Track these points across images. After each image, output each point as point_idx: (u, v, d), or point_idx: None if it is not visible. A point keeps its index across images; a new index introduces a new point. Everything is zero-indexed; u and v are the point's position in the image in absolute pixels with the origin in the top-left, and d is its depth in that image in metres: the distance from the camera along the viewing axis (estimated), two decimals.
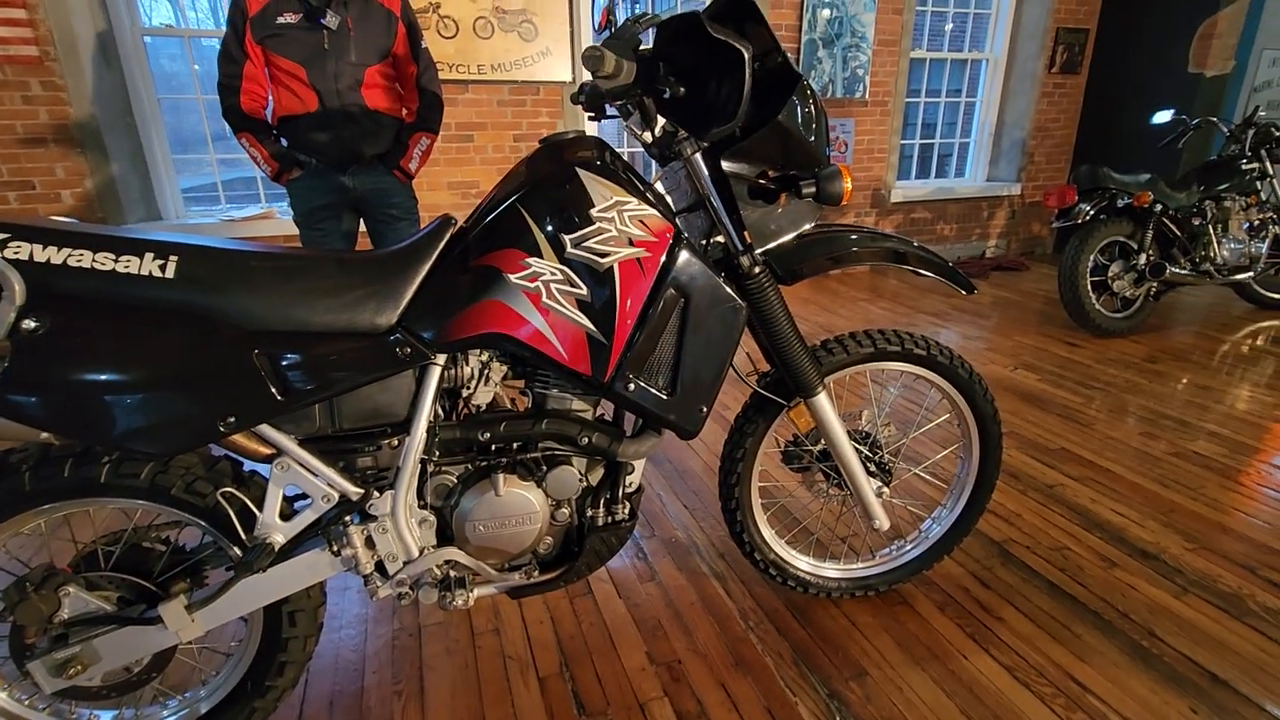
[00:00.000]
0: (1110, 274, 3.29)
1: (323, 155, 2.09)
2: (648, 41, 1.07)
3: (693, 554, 1.71)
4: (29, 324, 0.84)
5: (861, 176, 4.66)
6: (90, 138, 3.05)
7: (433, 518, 1.11)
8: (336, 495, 1.03)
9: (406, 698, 1.29)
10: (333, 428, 1.03)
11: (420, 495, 1.10)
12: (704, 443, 2.27)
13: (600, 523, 1.18)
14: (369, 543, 1.07)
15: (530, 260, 1.01)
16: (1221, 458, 2.15)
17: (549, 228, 1.01)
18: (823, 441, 1.40)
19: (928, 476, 2.03)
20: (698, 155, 1.11)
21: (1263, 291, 3.71)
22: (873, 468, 1.42)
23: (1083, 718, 1.22)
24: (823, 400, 1.29)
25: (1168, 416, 2.46)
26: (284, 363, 0.94)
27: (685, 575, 1.63)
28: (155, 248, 0.90)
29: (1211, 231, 3.35)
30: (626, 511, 1.21)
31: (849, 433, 1.40)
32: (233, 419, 0.92)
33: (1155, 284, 3.28)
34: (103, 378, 0.86)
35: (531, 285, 1.01)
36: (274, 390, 0.93)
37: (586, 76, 3.86)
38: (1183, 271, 3.30)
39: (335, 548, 1.04)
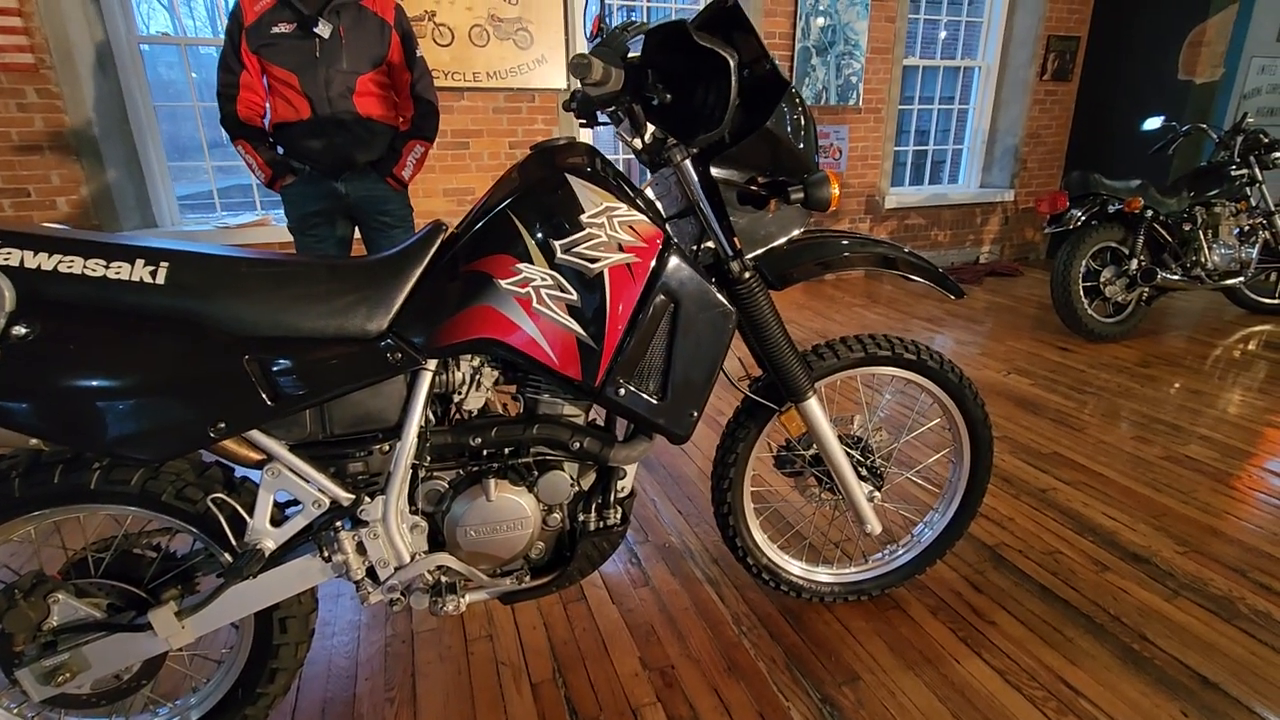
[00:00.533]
0: (1102, 279, 3.31)
1: (316, 162, 2.09)
2: (636, 49, 1.08)
3: (686, 559, 1.71)
4: (19, 330, 0.84)
5: (855, 183, 4.69)
6: (86, 145, 3.06)
7: (424, 523, 1.11)
8: (327, 501, 1.03)
9: (399, 705, 1.28)
10: (324, 433, 1.03)
11: (411, 500, 1.10)
12: (698, 447, 2.28)
13: (592, 528, 1.18)
14: (360, 548, 1.07)
15: (521, 266, 1.01)
16: (1213, 462, 2.16)
17: (539, 233, 1.02)
18: (814, 446, 1.41)
19: (920, 481, 2.04)
20: (687, 162, 1.12)
21: (1253, 296, 3.73)
22: (864, 472, 1.42)
23: None
24: (813, 405, 1.30)
25: (1160, 421, 2.47)
26: (274, 368, 0.94)
27: (679, 580, 1.63)
28: (146, 254, 0.90)
29: (1202, 237, 3.37)
30: (618, 516, 1.21)
31: (840, 437, 1.40)
32: (223, 424, 0.92)
33: (1147, 289, 3.30)
34: (93, 384, 0.86)
35: (522, 291, 1.02)
36: (264, 396, 0.94)
37: (578, 84, 3.88)
38: (1174, 277, 3.33)
39: (326, 553, 1.04)
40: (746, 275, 1.19)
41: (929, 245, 5.08)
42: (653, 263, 1.06)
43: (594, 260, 1.03)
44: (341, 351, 0.98)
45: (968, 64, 5.09)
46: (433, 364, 1.05)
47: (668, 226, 1.13)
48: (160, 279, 0.90)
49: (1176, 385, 2.81)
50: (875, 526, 1.41)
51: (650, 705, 1.27)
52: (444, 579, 1.13)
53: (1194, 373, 2.95)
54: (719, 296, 1.11)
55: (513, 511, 1.11)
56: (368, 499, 1.05)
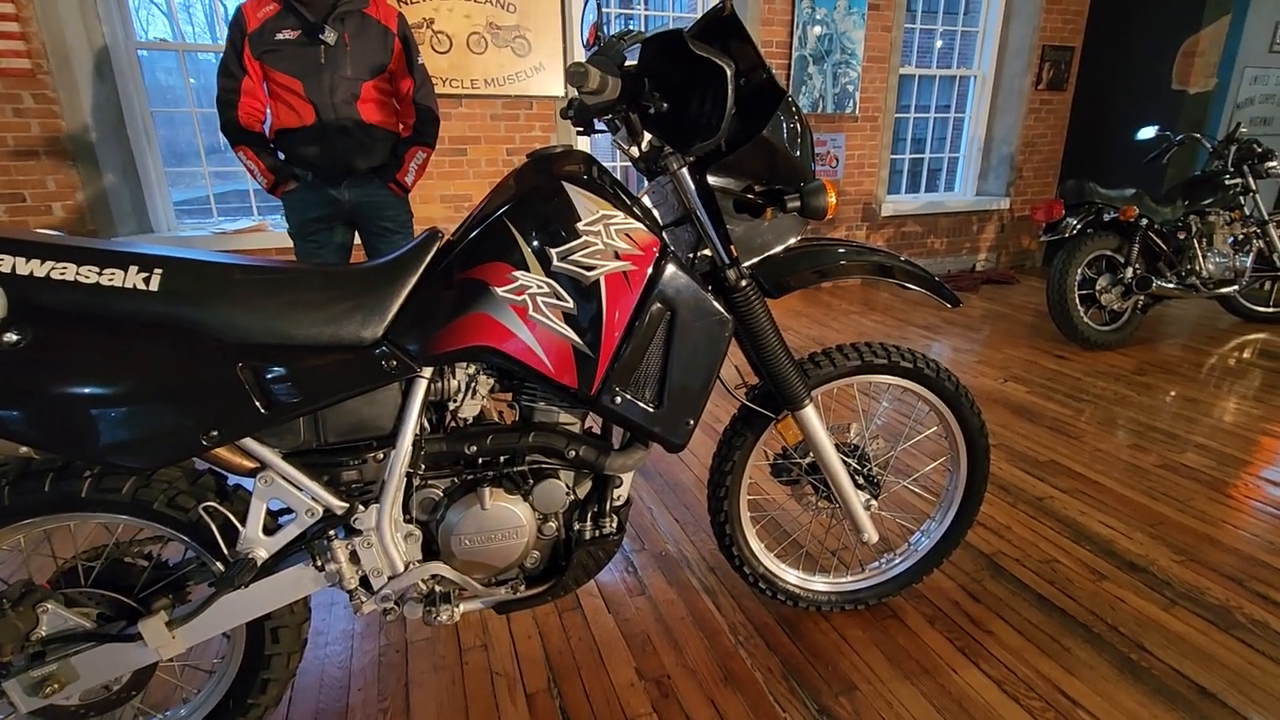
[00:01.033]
0: (1098, 287, 3.32)
1: (317, 168, 2.10)
2: (633, 58, 1.08)
3: (683, 568, 1.70)
4: (10, 337, 0.84)
5: (852, 191, 4.70)
6: (83, 150, 3.05)
7: (418, 532, 1.10)
8: (321, 509, 1.03)
9: (392, 715, 1.27)
10: (317, 441, 1.03)
11: (406, 509, 1.10)
12: (694, 455, 2.27)
13: (588, 536, 1.18)
14: (353, 557, 1.06)
15: (517, 274, 1.01)
16: (1209, 470, 2.16)
17: (535, 241, 1.01)
18: (811, 454, 1.40)
19: (917, 490, 2.04)
20: (684, 170, 1.12)
21: (1248, 305, 3.75)
22: (861, 480, 1.42)
23: None
24: (810, 413, 1.29)
25: (1156, 429, 2.47)
26: (268, 376, 0.94)
27: (675, 589, 1.62)
28: (140, 260, 0.90)
29: (1196, 245, 3.39)
30: (614, 525, 1.20)
31: (837, 445, 1.40)
32: (216, 432, 0.92)
33: (1142, 297, 3.31)
34: (85, 391, 0.86)
35: (518, 298, 1.01)
36: (258, 403, 0.93)
37: (575, 92, 3.89)
38: (1169, 285, 3.34)
39: (319, 563, 1.03)
40: (743, 283, 1.19)
41: (925, 253, 5.09)
42: (649, 271, 1.05)
43: (590, 268, 1.02)
44: (336, 359, 0.97)
45: (963, 73, 5.12)
46: (428, 372, 1.04)
47: (664, 234, 1.13)
48: (154, 286, 0.90)
49: (1172, 393, 2.81)
50: (872, 535, 1.40)
51: (646, 716, 1.26)
52: (438, 588, 1.12)
53: (1190, 381, 2.95)
54: (715, 304, 1.10)
55: (508, 520, 1.10)
56: (361, 507, 1.04)
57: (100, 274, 0.88)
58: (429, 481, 1.11)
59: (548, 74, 3.74)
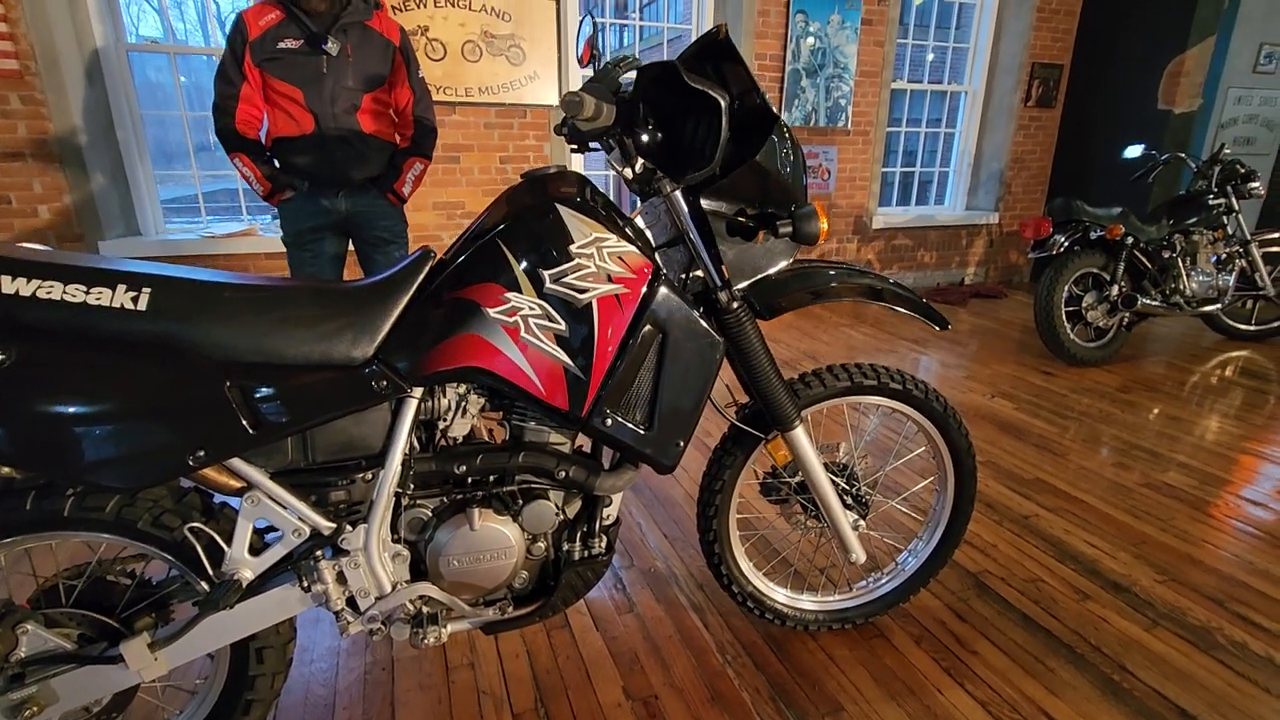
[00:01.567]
0: (1084, 304, 3.36)
1: (315, 177, 2.09)
2: (628, 84, 1.09)
3: (671, 584, 1.70)
4: None
5: (844, 204, 4.74)
6: (70, 153, 3.02)
7: (406, 552, 1.10)
8: (308, 529, 1.02)
9: None
10: (305, 460, 1.02)
11: (394, 529, 1.09)
12: (685, 471, 2.27)
13: (577, 557, 1.18)
14: (340, 578, 1.05)
15: (509, 295, 1.01)
16: (1191, 489, 2.19)
17: (528, 263, 1.01)
18: (800, 473, 1.41)
19: (905, 509, 2.05)
20: (677, 193, 1.13)
21: (1230, 323, 3.80)
22: (849, 500, 1.43)
23: None
24: (800, 434, 1.30)
25: (1139, 447, 2.50)
26: (257, 395, 0.93)
27: (664, 606, 1.62)
28: (128, 279, 0.89)
29: (1181, 264, 3.44)
30: (603, 545, 1.20)
31: (826, 465, 1.41)
32: (202, 453, 0.91)
33: (1127, 315, 3.36)
34: (70, 412, 0.85)
35: (510, 320, 1.01)
36: (246, 423, 0.92)
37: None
38: (1153, 303, 3.39)
39: (306, 583, 1.02)
40: (735, 305, 1.19)
41: (915, 266, 5.13)
42: (642, 293, 1.06)
43: (583, 291, 1.03)
44: (326, 378, 0.97)
45: (954, 89, 5.18)
46: (418, 391, 1.04)
47: (657, 256, 1.13)
48: (142, 305, 0.89)
49: (1155, 411, 2.85)
50: (860, 555, 1.41)
51: None
52: (425, 609, 1.11)
53: (1172, 399, 2.99)
54: (707, 327, 1.11)
55: (497, 541, 1.10)
56: (349, 527, 1.04)
57: (88, 293, 0.87)
58: (418, 501, 1.10)
59: (542, 83, 3.75)
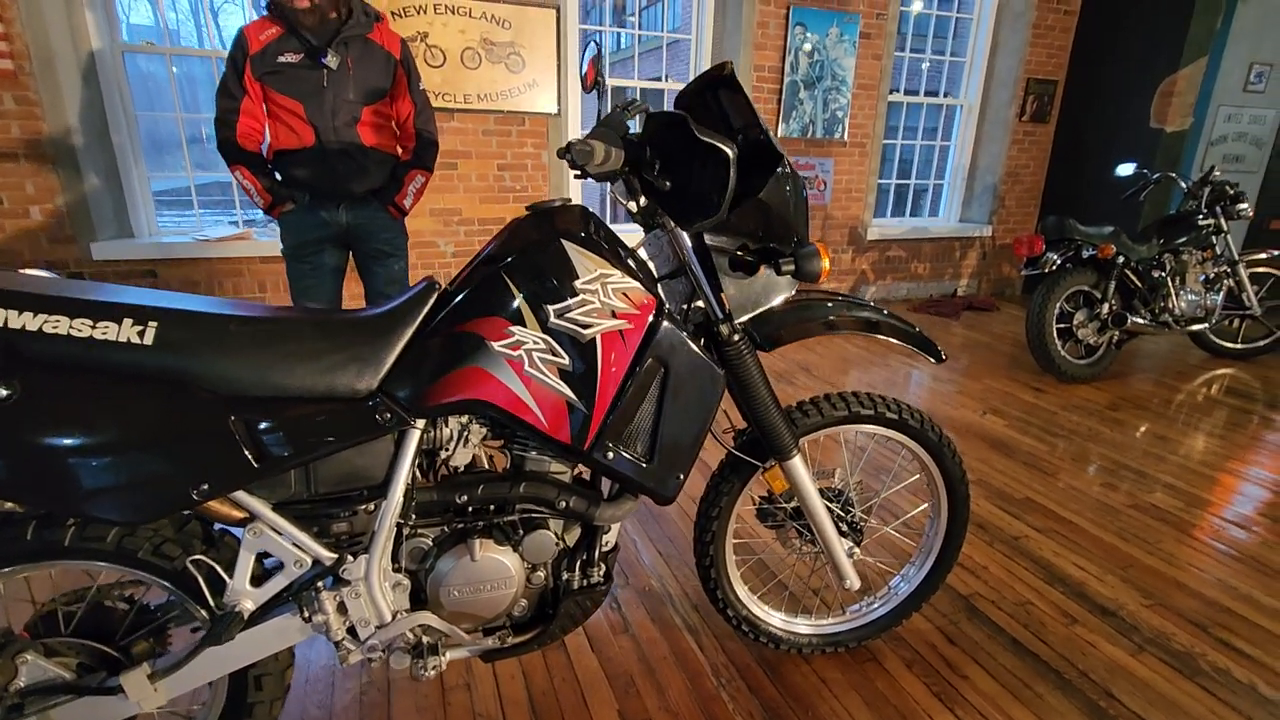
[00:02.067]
0: (1075, 322, 3.40)
1: (316, 190, 2.09)
2: (634, 125, 1.10)
3: (666, 604, 1.71)
4: (0, 392, 0.83)
5: (840, 215, 4.77)
6: (64, 154, 3.00)
7: (406, 581, 1.10)
8: (310, 560, 1.02)
9: None
10: (308, 492, 1.02)
11: (394, 558, 1.10)
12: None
13: (576, 586, 1.19)
14: (341, 608, 1.06)
15: (513, 329, 1.02)
16: (1177, 511, 2.23)
17: (532, 297, 1.02)
18: (796, 500, 1.42)
19: (896, 534, 2.07)
20: (679, 227, 1.14)
21: (1217, 341, 3.86)
22: (844, 527, 1.44)
23: None
24: (797, 463, 1.32)
25: (1126, 467, 2.54)
26: (261, 428, 0.93)
27: (658, 627, 1.63)
28: (134, 313, 0.89)
29: (1170, 284, 3.49)
30: (602, 574, 1.21)
31: (821, 491, 1.42)
32: (206, 486, 0.91)
33: (1117, 332, 3.40)
34: (75, 447, 0.85)
35: (514, 353, 1.02)
36: (249, 456, 0.93)
37: (574, 111, 3.90)
38: (1143, 321, 3.43)
39: (306, 613, 1.03)
40: (735, 338, 1.21)
41: (909, 277, 5.17)
42: (645, 329, 1.07)
43: (587, 326, 1.04)
44: (330, 411, 0.97)
45: (950, 102, 5.22)
46: (421, 423, 1.05)
47: (659, 289, 1.14)
48: (148, 339, 0.89)
49: (1143, 429, 2.89)
50: (854, 582, 1.43)
51: None
52: (425, 638, 1.12)
53: (1160, 417, 3.04)
54: (709, 361, 1.12)
55: (497, 571, 1.11)
56: (350, 558, 1.04)
57: (94, 327, 0.87)
58: (418, 531, 1.11)
59: (541, 91, 3.75)
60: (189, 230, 3.58)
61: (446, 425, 1.10)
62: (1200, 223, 3.53)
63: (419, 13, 3.40)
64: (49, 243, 3.06)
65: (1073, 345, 3.44)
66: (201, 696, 1.11)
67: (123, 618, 1.04)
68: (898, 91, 4.87)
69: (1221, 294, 3.61)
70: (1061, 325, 3.39)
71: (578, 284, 1.03)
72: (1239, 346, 3.87)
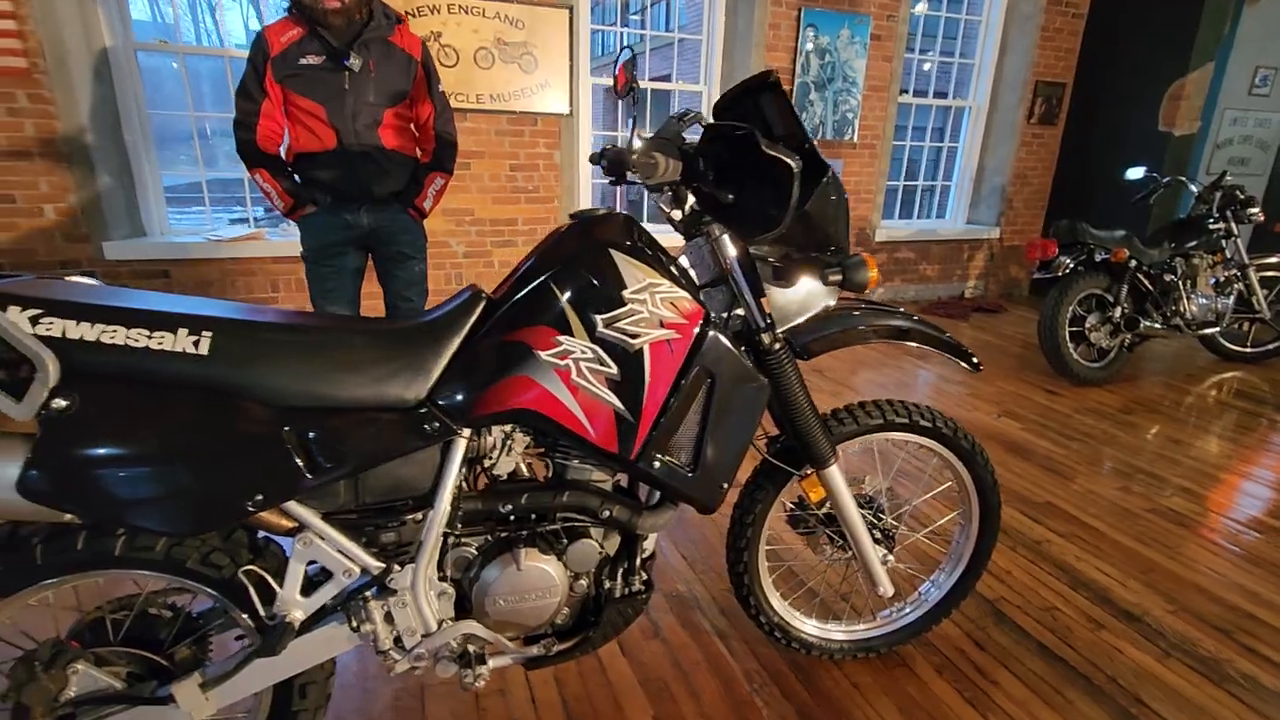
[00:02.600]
0: (1087, 325, 3.41)
1: (337, 192, 2.08)
2: (689, 134, 1.10)
3: (695, 609, 1.72)
4: (59, 403, 0.82)
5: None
6: (77, 152, 2.98)
7: (451, 590, 1.10)
8: (358, 570, 1.02)
9: None
10: (356, 502, 1.02)
11: (439, 567, 1.10)
12: None
13: (618, 594, 1.19)
14: (388, 617, 1.06)
15: (561, 338, 1.02)
16: (1195, 515, 2.24)
17: (581, 307, 1.02)
18: (827, 506, 1.43)
19: (925, 541, 2.07)
20: (725, 236, 1.14)
21: (1227, 344, 3.87)
22: (877, 535, 1.45)
23: None
24: (835, 472, 1.32)
25: (1143, 471, 2.55)
26: (313, 439, 0.93)
27: (688, 632, 1.63)
28: (189, 323, 0.89)
29: (1181, 287, 3.50)
30: (642, 581, 1.21)
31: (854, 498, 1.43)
32: (260, 497, 0.91)
33: (1129, 336, 3.41)
34: (132, 459, 0.84)
35: (561, 363, 1.02)
36: (302, 467, 0.93)
37: (585, 111, 3.90)
38: (1155, 325, 3.44)
39: (355, 623, 1.03)
40: (776, 346, 1.21)
41: (917, 279, 5.18)
42: (692, 339, 1.07)
43: (635, 336, 1.03)
44: (380, 421, 0.97)
45: (959, 104, 5.22)
46: (467, 432, 1.05)
47: (702, 297, 1.14)
48: (203, 349, 0.89)
49: (1158, 433, 2.90)
50: (888, 589, 1.43)
51: None
52: (470, 647, 1.12)
53: (1173, 420, 3.05)
54: (754, 370, 1.12)
55: (542, 580, 1.11)
56: (398, 567, 1.04)
57: (150, 337, 0.87)
58: (462, 540, 1.11)
59: (553, 91, 3.74)
60: (199, 229, 3.57)
61: (489, 434, 1.10)
62: (1211, 226, 3.54)
63: (433, 12, 3.39)
64: (63, 241, 3.05)
65: (1085, 348, 3.45)
66: (245, 704, 1.11)
67: (167, 626, 1.04)
68: (906, 93, 4.87)
69: (1232, 298, 3.62)
70: (1073, 328, 3.40)
71: (626, 293, 1.03)
72: (1248, 350, 3.88)
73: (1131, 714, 1.43)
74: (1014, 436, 2.82)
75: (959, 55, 5.15)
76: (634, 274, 1.04)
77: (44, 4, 2.81)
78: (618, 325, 1.03)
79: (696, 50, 4.37)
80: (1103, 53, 4.99)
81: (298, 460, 0.92)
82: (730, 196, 1.01)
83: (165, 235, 3.41)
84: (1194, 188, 3.68)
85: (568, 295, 1.02)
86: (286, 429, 0.92)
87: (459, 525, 1.08)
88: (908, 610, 1.58)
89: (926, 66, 6.14)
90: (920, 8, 4.83)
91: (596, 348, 1.03)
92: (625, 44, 1.44)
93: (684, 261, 1.24)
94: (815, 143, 1.08)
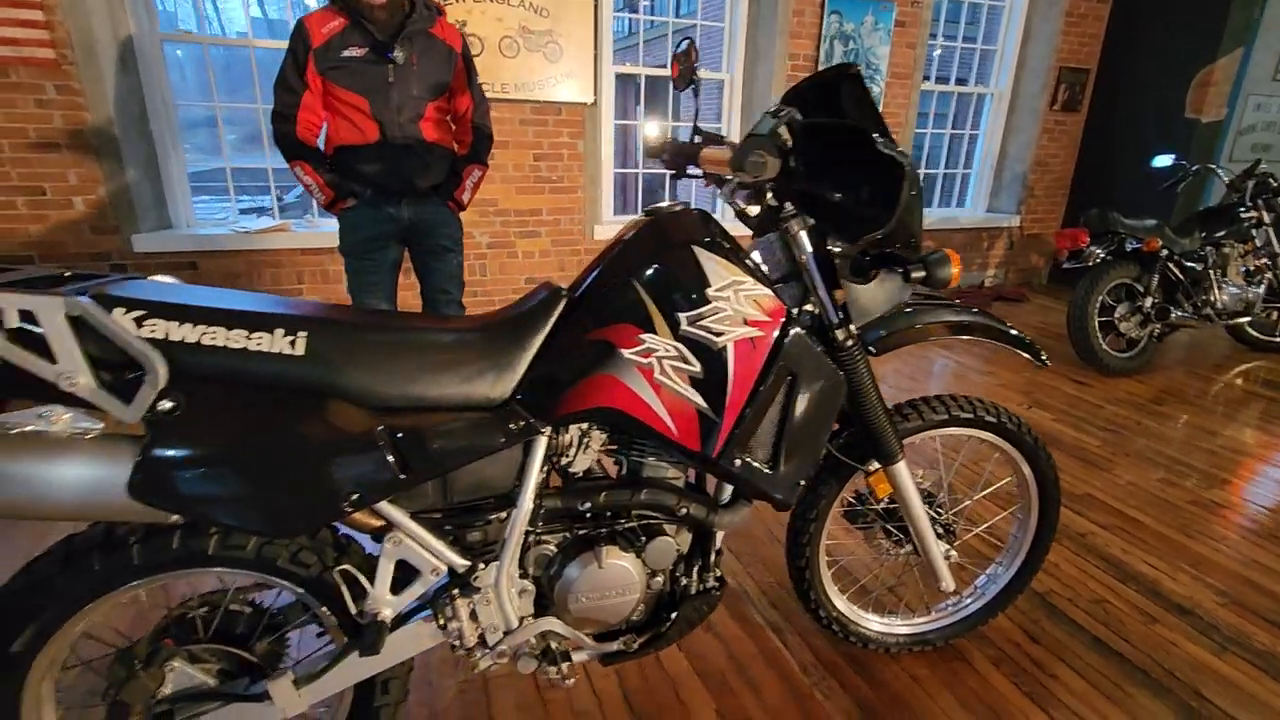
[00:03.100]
0: (1117, 315, 3.39)
1: (378, 186, 2.07)
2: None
3: (744, 602, 1.72)
4: (165, 405, 0.82)
5: None
6: (106, 144, 2.97)
7: (531, 587, 1.11)
8: (445, 568, 1.02)
9: None
10: (443, 501, 1.02)
11: (520, 565, 1.10)
12: None
13: (693, 590, 1.19)
14: (473, 615, 1.06)
15: (644, 336, 1.01)
16: (1237, 507, 2.23)
17: (665, 305, 1.01)
18: (885, 501, 1.43)
19: (984, 534, 2.07)
20: (803, 233, 1.13)
21: (1254, 334, 3.85)
22: (939, 529, 1.44)
23: None
24: (902, 468, 1.32)
25: (1180, 462, 2.54)
26: (406, 438, 0.93)
27: (740, 625, 1.64)
28: (285, 323, 0.89)
29: (1212, 276, 3.47)
30: (715, 577, 1.22)
31: None
32: (356, 496, 0.91)
33: (1159, 326, 3.39)
34: (237, 460, 0.84)
35: (645, 361, 1.01)
36: (397, 467, 0.92)
37: (608, 100, 3.86)
38: (1186, 315, 3.42)
39: (442, 620, 1.03)
40: (850, 343, 1.20)
41: None
42: (774, 336, 1.06)
43: (719, 334, 1.03)
44: (467, 420, 0.97)
45: (980, 90, 5.16)
46: (549, 430, 1.04)
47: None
48: (299, 349, 0.89)
49: (1192, 424, 2.89)
50: (950, 584, 1.43)
51: None
52: (552, 644, 1.13)
53: (1206, 411, 3.04)
54: (834, 367, 1.12)
55: (623, 578, 1.11)
56: (482, 565, 1.04)
57: (249, 338, 0.87)
58: (542, 537, 1.11)
59: (578, 80, 3.70)
60: (226, 221, 3.56)
61: (566, 432, 1.10)
62: (1242, 215, 3.51)
63: (458, 0, 3.35)
64: (92, 234, 3.04)
65: (1113, 338, 3.43)
66: (327, 700, 1.12)
67: (248, 623, 1.05)
68: (928, 79, 4.81)
69: (1263, 287, 3.59)
70: (1103, 319, 3.38)
71: (709, 291, 1.02)
72: (1277, 339, 3.86)
73: (1193, 708, 1.44)
74: (1046, 427, 2.81)
75: (981, 41, 5.08)
76: (718, 271, 1.03)
77: None
78: (702, 323, 1.02)
79: (711, 37, 4.32)
80: (1128, 38, 4.92)
81: (392, 460, 0.92)
82: (838, 195, 1.00)
83: (191, 227, 3.40)
84: (1223, 175, 3.64)
85: (651, 293, 1.01)
86: (380, 429, 0.92)
87: (540, 523, 1.09)
88: (967, 602, 1.58)
89: (938, 53, 6.07)
90: None
91: (680, 345, 1.02)
92: (686, 37, 1.41)
93: (757, 257, 1.23)
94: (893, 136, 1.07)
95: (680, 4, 13.01)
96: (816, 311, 1.20)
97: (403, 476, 0.93)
